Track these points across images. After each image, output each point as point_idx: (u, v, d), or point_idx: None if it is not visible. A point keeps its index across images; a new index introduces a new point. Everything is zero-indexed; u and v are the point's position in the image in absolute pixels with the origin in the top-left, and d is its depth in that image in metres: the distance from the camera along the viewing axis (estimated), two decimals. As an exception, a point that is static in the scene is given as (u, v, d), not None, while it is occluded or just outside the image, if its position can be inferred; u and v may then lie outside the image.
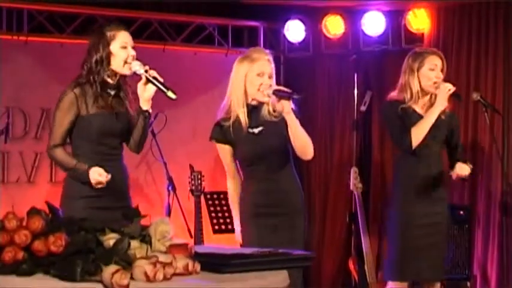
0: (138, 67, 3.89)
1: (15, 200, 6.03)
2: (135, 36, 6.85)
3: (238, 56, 4.32)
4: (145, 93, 3.89)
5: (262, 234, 4.06)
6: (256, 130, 4.12)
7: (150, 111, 3.96)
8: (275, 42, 7.55)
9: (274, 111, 4.09)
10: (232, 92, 4.15)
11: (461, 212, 6.22)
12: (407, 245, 4.72)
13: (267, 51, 4.27)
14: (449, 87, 4.66)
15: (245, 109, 4.11)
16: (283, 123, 4.05)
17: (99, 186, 3.85)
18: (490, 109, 5.59)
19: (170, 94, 3.79)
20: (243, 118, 4.10)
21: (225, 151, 4.20)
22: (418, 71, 4.73)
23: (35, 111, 6.47)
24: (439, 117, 4.68)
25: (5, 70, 6.24)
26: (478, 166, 6.40)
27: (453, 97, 4.71)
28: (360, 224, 6.03)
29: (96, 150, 3.97)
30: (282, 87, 4.08)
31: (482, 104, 5.47)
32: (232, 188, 4.26)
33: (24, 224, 2.48)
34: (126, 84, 4.05)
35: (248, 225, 4.15)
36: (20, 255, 2.41)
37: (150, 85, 3.86)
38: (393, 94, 4.84)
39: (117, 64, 3.95)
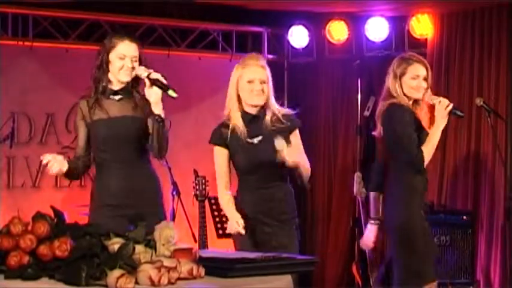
0: (141, 71, 3.86)
1: (20, 204, 6.04)
2: (140, 42, 6.95)
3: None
4: (152, 97, 3.81)
5: (257, 243, 4.03)
6: (255, 140, 4.08)
7: (163, 115, 3.86)
8: (279, 48, 7.56)
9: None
10: (228, 98, 4.16)
11: (465, 217, 6.22)
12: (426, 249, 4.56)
13: (261, 57, 4.22)
14: (447, 104, 4.43)
15: (241, 116, 4.09)
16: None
17: None
18: (493, 114, 5.59)
19: (170, 93, 3.74)
20: (241, 126, 4.07)
21: (223, 156, 4.15)
22: (400, 78, 4.53)
23: (40, 116, 6.49)
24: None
25: (10, 75, 6.26)
26: (481, 171, 6.41)
27: (452, 115, 4.46)
28: (364, 229, 6.03)
29: (110, 158, 3.93)
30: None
31: (485, 109, 5.47)
32: (228, 198, 4.13)
33: (29, 228, 2.49)
34: (138, 88, 3.97)
35: (243, 234, 4.03)
36: (26, 259, 2.43)
37: (154, 88, 3.80)
38: (384, 98, 4.68)
39: (114, 71, 3.93)
